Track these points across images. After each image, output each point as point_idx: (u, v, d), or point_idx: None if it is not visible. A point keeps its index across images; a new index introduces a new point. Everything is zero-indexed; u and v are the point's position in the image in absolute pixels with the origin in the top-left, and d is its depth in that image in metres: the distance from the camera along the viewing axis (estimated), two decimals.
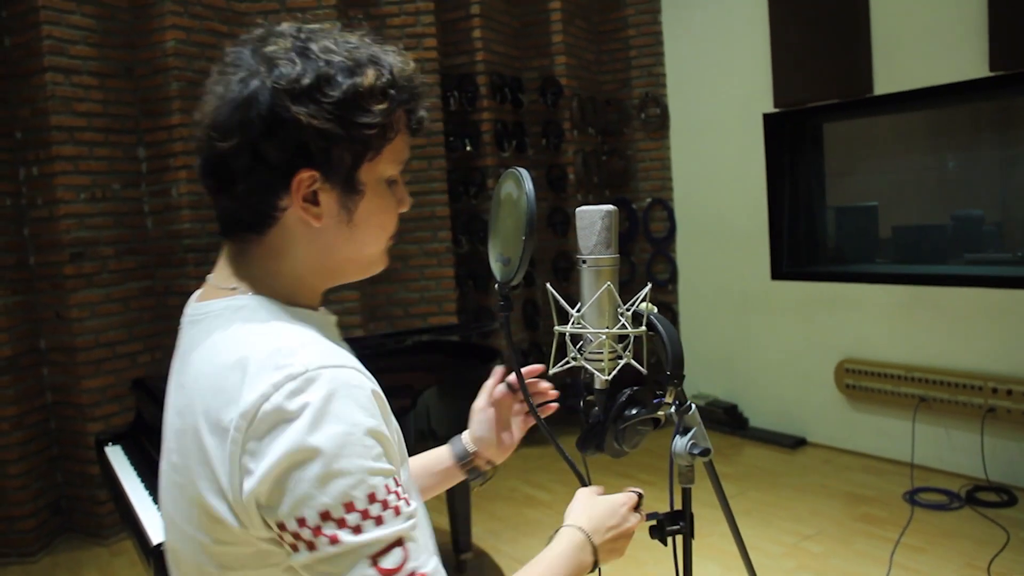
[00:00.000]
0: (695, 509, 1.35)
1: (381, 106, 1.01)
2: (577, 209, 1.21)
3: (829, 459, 5.27)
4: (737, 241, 5.98)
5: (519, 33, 6.24)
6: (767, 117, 5.66)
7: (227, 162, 1.00)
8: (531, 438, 5.56)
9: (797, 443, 5.55)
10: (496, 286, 1.28)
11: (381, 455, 0.94)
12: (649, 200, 6.53)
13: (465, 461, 1.47)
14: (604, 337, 1.21)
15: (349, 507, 0.90)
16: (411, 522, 0.95)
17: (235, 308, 1.03)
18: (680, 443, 1.31)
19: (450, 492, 3.89)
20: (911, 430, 4.85)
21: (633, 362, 1.24)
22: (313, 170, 1.00)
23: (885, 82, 4.95)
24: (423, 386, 3.33)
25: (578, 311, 1.21)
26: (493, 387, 1.43)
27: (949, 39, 4.64)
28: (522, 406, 1.45)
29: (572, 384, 6.00)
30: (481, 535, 4.28)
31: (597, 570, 1.24)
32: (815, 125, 5.70)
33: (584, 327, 1.21)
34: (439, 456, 1.49)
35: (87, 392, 4.47)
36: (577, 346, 1.25)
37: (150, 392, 3.41)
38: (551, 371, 1.26)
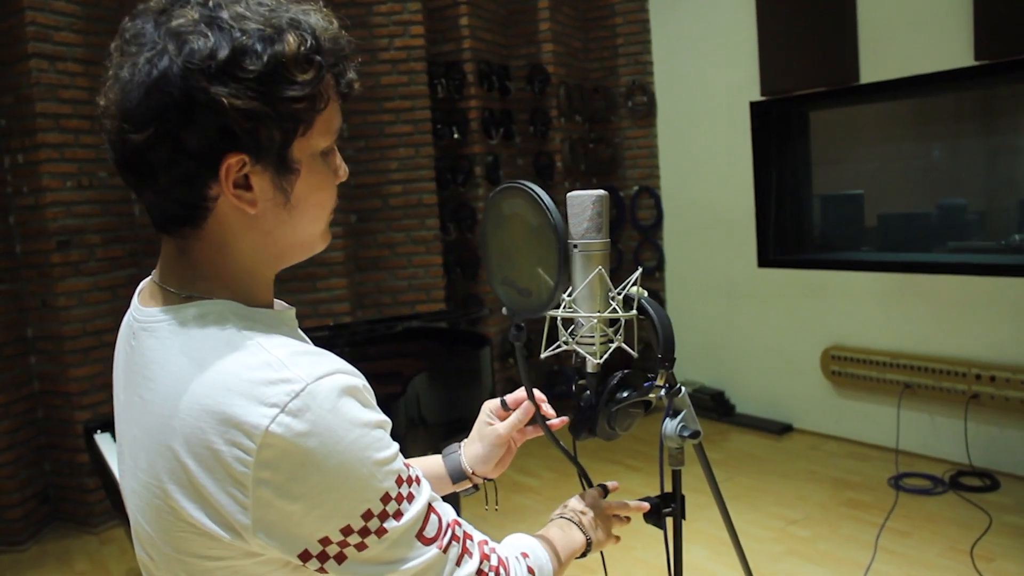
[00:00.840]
0: (683, 494, 1.37)
1: (307, 75, 0.90)
2: (568, 194, 1.21)
3: (815, 445, 5.31)
4: (724, 229, 6.00)
5: (506, 21, 6.24)
6: (754, 105, 5.67)
7: (144, 155, 0.89)
8: None
9: (784, 429, 5.59)
10: (504, 311, 1.27)
11: (389, 440, 0.94)
12: (636, 188, 6.55)
13: (459, 480, 1.45)
14: (596, 321, 1.22)
15: (385, 499, 0.90)
16: (426, 484, 0.99)
17: (198, 317, 0.94)
18: (670, 425, 1.33)
19: None
20: (896, 416, 4.90)
21: (624, 346, 1.25)
22: (240, 153, 0.89)
23: (871, 70, 4.97)
24: (413, 372, 3.33)
25: (569, 295, 1.21)
26: (519, 423, 1.40)
27: (935, 28, 4.66)
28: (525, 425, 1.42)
29: (561, 371, 6.03)
30: (469, 520, 4.29)
31: (588, 554, 1.32)
32: (801, 113, 5.72)
33: (575, 311, 1.22)
34: (432, 467, 1.45)
35: (75, 381, 4.46)
36: (568, 330, 1.25)
37: None
38: (543, 355, 1.26)
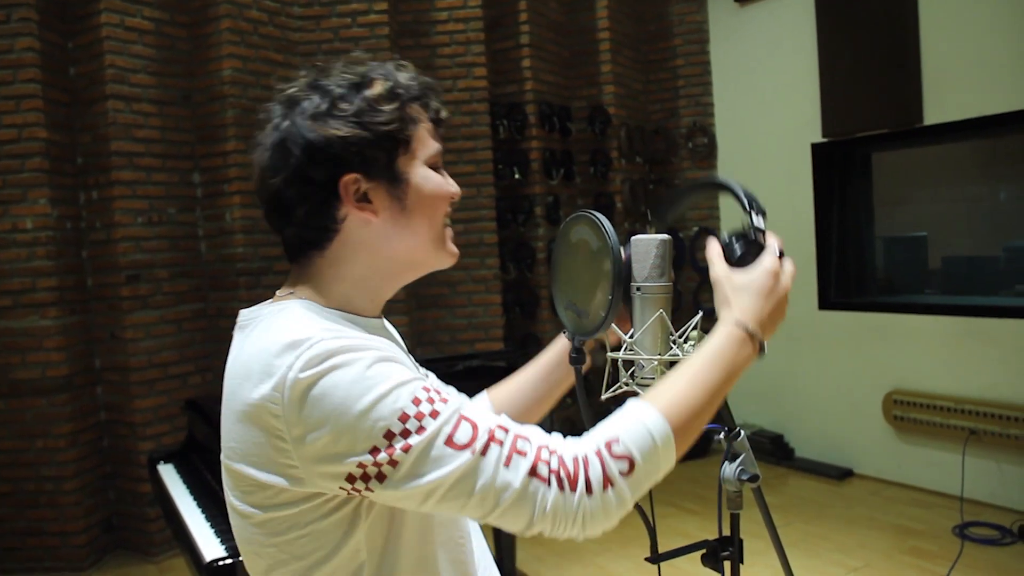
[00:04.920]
0: (742, 538, 1.36)
1: (392, 105, 1.13)
2: (632, 237, 1.24)
3: (877, 491, 5.20)
4: None
5: (568, 63, 6.30)
6: (815, 147, 5.65)
7: (282, 195, 1.14)
8: None
9: (844, 474, 5.49)
10: (564, 333, 1.34)
11: (400, 369, 1.03)
12: (696, 229, 6.53)
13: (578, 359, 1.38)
14: (656, 363, 1.23)
15: (403, 417, 0.99)
16: (455, 398, 1.05)
17: (277, 311, 1.12)
18: (729, 469, 1.33)
19: None
20: (961, 463, 4.78)
21: None
22: (353, 173, 1.12)
23: (935, 111, 4.92)
24: None
25: (631, 337, 1.23)
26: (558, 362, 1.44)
27: (999, 69, 4.61)
28: None
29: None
30: (525, 560, 4.28)
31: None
32: (864, 155, 5.67)
33: (637, 353, 1.24)
34: (556, 354, 1.45)
35: (140, 412, 4.56)
36: (629, 372, 1.27)
37: (202, 412, 3.48)
38: (603, 396, 1.28)
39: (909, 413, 5.12)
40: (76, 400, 4.50)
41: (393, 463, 0.98)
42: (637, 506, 1.37)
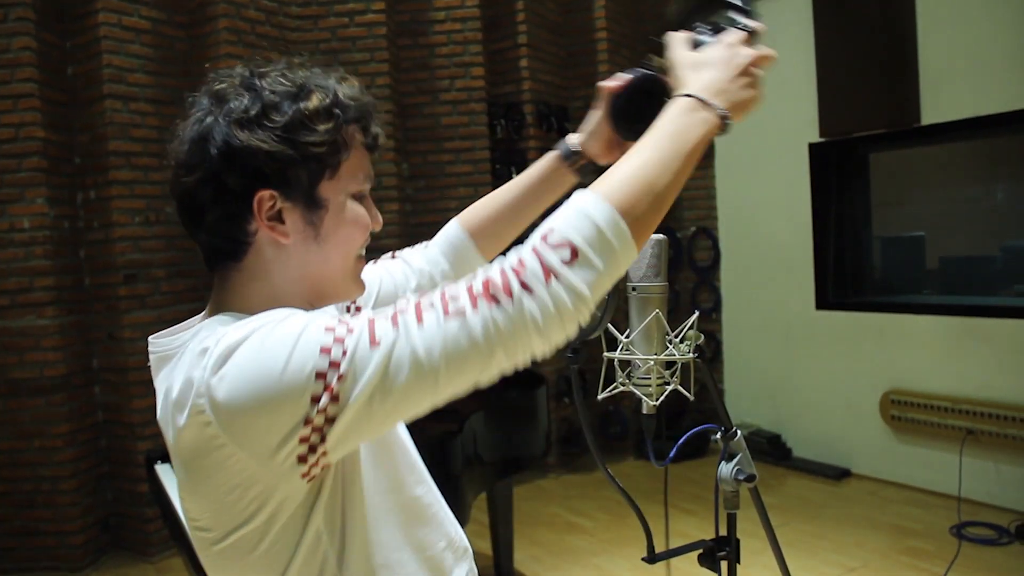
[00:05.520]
0: (738, 537, 1.37)
1: (327, 125, 1.07)
2: None
3: (874, 491, 5.21)
4: (782, 270, 5.96)
5: (566, 63, 6.30)
6: (813, 147, 5.65)
7: (194, 195, 1.08)
8: (572, 465, 5.57)
9: (841, 474, 5.50)
10: None
11: (308, 315, 0.99)
12: (693, 229, 6.53)
13: (571, 158, 1.39)
14: (652, 363, 1.23)
15: (325, 350, 0.92)
16: (366, 311, 0.98)
17: (194, 333, 1.07)
18: (726, 469, 1.33)
19: (493, 518, 3.91)
20: (958, 463, 4.78)
21: (680, 388, 1.26)
22: (271, 189, 1.05)
23: (933, 111, 4.93)
24: (469, 411, 3.35)
25: (627, 337, 1.23)
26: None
27: (997, 69, 4.62)
28: None
29: (616, 411, 6.01)
30: (523, 560, 4.28)
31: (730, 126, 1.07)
32: (861, 155, 5.68)
33: (633, 353, 1.24)
34: (543, 167, 1.41)
35: (137, 412, 4.55)
36: (625, 372, 1.27)
37: None
38: (600, 396, 1.28)
39: (906, 413, 5.12)
40: (74, 400, 4.49)
41: (336, 397, 0.92)
42: (634, 507, 1.37)
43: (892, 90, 5.04)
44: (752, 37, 1.12)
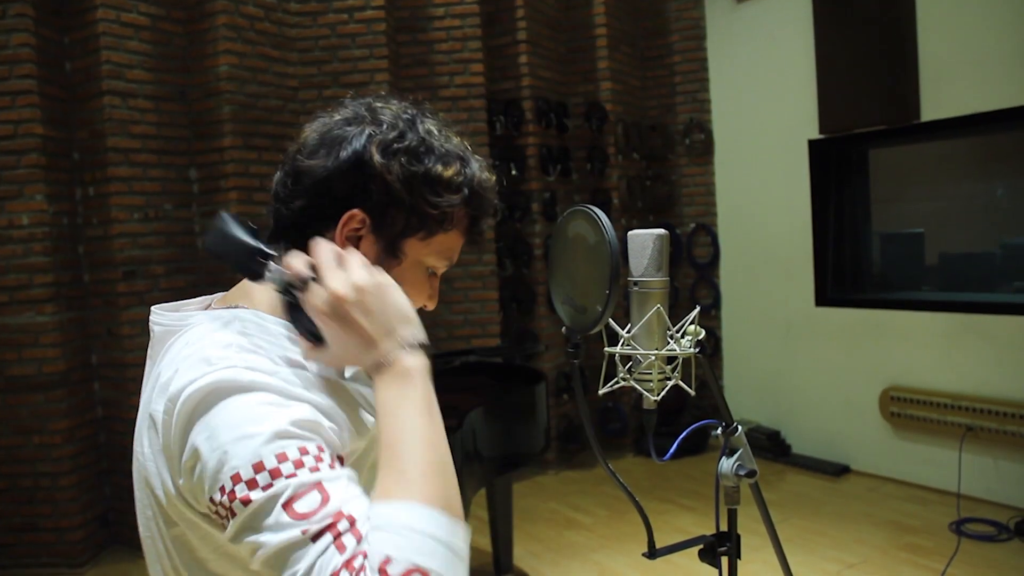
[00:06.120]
0: (739, 533, 1.37)
1: (450, 197, 1.08)
2: (629, 232, 1.24)
3: (873, 487, 5.21)
4: (781, 267, 5.96)
5: (565, 59, 6.29)
6: (812, 143, 5.65)
7: (300, 177, 1.08)
8: (572, 461, 5.58)
9: (841, 471, 5.50)
10: (564, 330, 1.30)
11: (295, 423, 0.93)
12: (693, 225, 6.54)
13: None
14: (654, 358, 1.23)
15: (258, 467, 0.89)
16: (334, 472, 0.92)
17: (226, 320, 1.06)
18: (726, 464, 1.33)
19: (492, 514, 3.91)
20: (957, 459, 4.79)
21: (682, 383, 1.26)
22: (367, 215, 1.07)
23: (932, 108, 4.93)
24: (469, 407, 3.35)
25: (628, 332, 1.23)
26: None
27: (996, 65, 4.62)
28: None
29: (615, 407, 6.01)
30: (522, 556, 4.28)
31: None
32: (861, 151, 5.68)
33: (634, 348, 1.24)
34: None
35: (136, 408, 4.52)
36: (627, 367, 1.27)
37: None
38: (600, 391, 1.28)
39: (906, 410, 5.12)
40: (73, 396, 4.49)
41: (230, 511, 0.90)
42: (635, 502, 1.37)
43: (892, 86, 5.04)
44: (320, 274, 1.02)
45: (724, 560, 1.35)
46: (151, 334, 1.15)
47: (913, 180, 5.70)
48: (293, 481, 0.88)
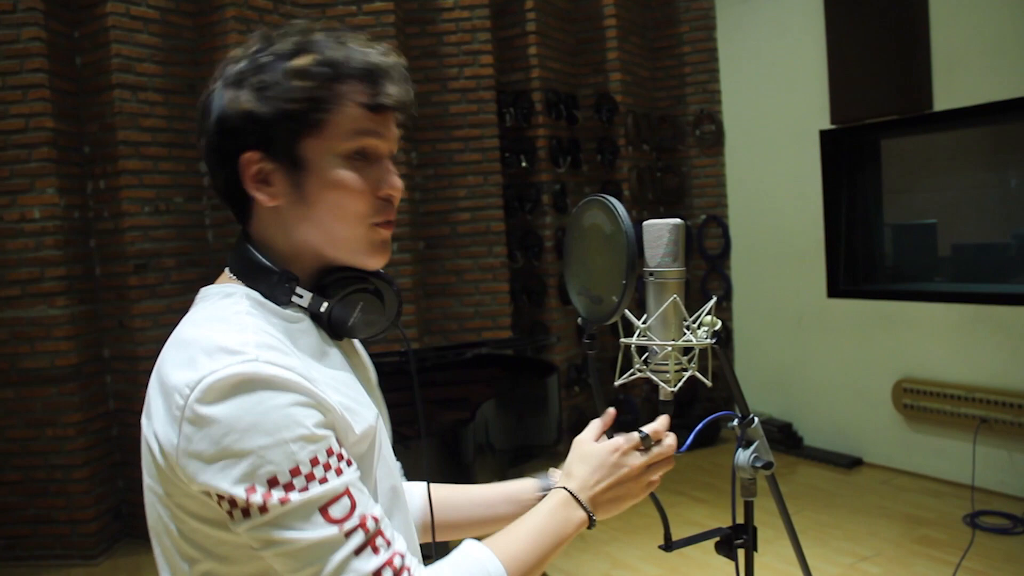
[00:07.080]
0: (755, 526, 1.35)
1: (306, 82, 1.02)
2: (644, 222, 1.22)
3: (887, 480, 5.19)
4: (793, 258, 5.93)
5: (574, 50, 6.28)
6: (824, 134, 5.62)
7: (207, 159, 1.10)
8: None
9: (853, 463, 5.48)
10: (579, 321, 1.28)
11: (310, 423, 0.96)
12: (704, 217, 6.51)
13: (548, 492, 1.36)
14: (670, 349, 1.22)
15: (295, 471, 0.93)
16: (350, 471, 0.99)
17: (225, 294, 1.11)
18: (743, 456, 1.32)
19: None
20: (971, 451, 4.76)
21: (698, 374, 1.24)
22: (255, 151, 1.04)
23: (945, 98, 4.89)
24: (481, 399, 3.35)
25: (644, 323, 1.22)
26: (604, 428, 1.28)
27: (1009, 54, 4.58)
28: None
29: (627, 399, 6.00)
30: None
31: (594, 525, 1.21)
32: (873, 142, 5.64)
33: (650, 339, 1.22)
34: (523, 486, 1.41)
35: None
36: (643, 358, 1.26)
37: None
38: (617, 382, 1.27)
39: (919, 401, 5.10)
40: (85, 389, 4.50)
41: (264, 509, 0.92)
42: (651, 495, 1.35)
43: (904, 76, 5.00)
44: (645, 442, 1.22)
45: (740, 553, 1.34)
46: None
47: (926, 170, 5.67)
48: (326, 487, 0.95)
